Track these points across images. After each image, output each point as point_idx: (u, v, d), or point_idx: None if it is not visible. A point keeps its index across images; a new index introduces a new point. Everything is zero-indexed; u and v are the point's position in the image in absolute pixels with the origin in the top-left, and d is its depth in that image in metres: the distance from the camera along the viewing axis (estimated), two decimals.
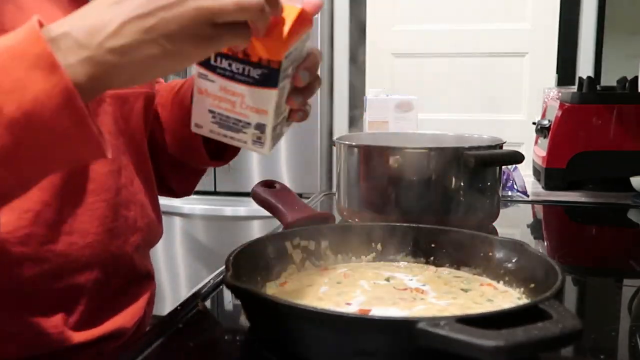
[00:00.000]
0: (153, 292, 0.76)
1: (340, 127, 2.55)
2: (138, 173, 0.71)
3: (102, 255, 0.64)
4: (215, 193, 2.49)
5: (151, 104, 0.76)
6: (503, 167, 1.03)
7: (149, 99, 0.74)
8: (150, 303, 0.76)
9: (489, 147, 0.91)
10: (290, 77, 0.56)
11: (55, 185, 0.59)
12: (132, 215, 0.69)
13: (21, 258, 0.57)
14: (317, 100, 2.33)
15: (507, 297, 0.61)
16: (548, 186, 1.37)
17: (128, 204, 0.68)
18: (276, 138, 0.59)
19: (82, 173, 0.62)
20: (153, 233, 0.75)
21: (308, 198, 1.25)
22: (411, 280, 0.66)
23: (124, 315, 0.68)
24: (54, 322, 0.60)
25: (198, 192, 2.49)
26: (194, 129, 0.58)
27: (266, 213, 0.83)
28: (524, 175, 1.32)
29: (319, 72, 0.59)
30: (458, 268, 0.69)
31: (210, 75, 0.54)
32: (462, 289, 0.63)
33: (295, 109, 0.59)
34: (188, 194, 0.89)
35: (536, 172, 1.47)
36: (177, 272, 2.56)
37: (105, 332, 0.65)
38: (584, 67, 2.47)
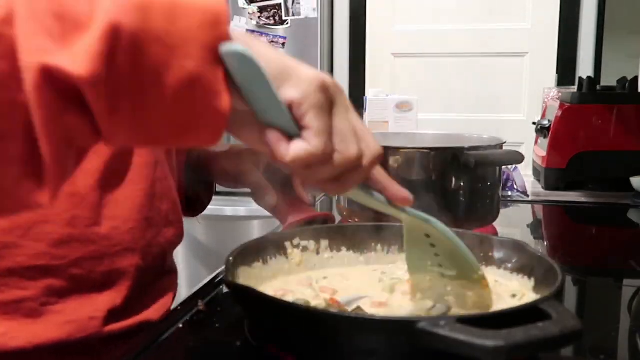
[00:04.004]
0: (176, 292, 0.78)
1: None
2: (171, 171, 0.74)
3: (141, 243, 0.67)
4: (215, 193, 2.49)
5: None
6: (503, 167, 1.03)
7: None
8: (173, 302, 0.77)
9: (489, 147, 0.91)
10: None
11: (99, 170, 0.62)
12: (165, 208, 0.71)
13: (68, 239, 0.60)
14: None
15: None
16: (548, 186, 1.37)
17: (162, 197, 0.70)
18: None
19: (123, 161, 0.65)
20: (180, 232, 0.76)
21: None
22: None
23: (153, 309, 0.70)
24: (96, 306, 0.63)
25: None
26: None
27: (266, 213, 0.83)
28: (524, 175, 1.32)
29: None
30: None
31: None
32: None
33: None
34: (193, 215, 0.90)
35: (536, 172, 1.47)
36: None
37: (133, 324, 0.66)
38: (584, 67, 2.47)
